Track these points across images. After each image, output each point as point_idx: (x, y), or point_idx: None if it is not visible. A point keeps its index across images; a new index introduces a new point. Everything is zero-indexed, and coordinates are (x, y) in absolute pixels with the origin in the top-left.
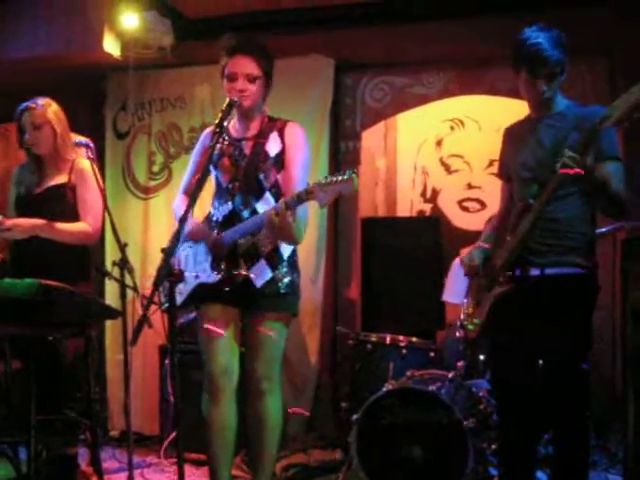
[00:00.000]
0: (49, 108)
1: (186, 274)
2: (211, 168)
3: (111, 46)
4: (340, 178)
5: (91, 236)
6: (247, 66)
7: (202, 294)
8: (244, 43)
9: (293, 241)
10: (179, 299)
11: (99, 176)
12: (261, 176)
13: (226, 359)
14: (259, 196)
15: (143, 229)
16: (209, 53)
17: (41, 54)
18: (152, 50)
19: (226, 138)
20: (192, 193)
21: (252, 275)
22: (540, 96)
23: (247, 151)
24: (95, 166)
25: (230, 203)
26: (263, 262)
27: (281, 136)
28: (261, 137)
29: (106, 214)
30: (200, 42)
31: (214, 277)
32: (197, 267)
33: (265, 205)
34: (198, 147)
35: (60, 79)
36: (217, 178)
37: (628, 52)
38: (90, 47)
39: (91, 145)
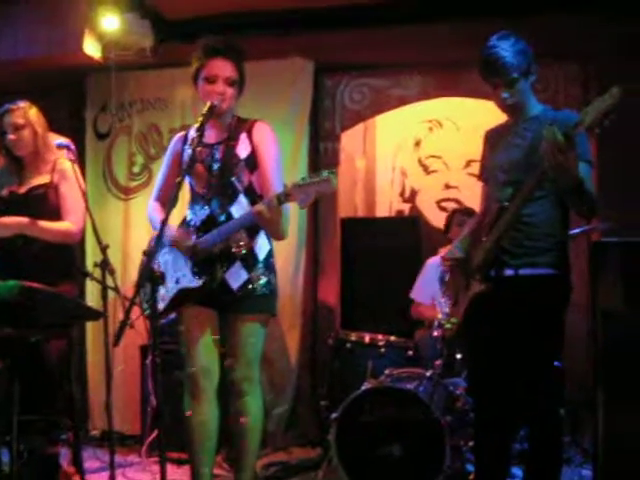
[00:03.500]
0: (30, 110)
1: (166, 279)
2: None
3: (91, 48)
4: (318, 178)
5: (74, 235)
6: (227, 69)
7: (182, 298)
8: (224, 46)
9: (280, 236)
10: (161, 305)
11: (80, 177)
12: (234, 179)
13: (206, 360)
14: (233, 199)
15: (124, 230)
16: (189, 54)
17: (22, 56)
18: (132, 51)
19: (197, 144)
20: (171, 199)
21: (228, 278)
22: (503, 103)
23: (219, 155)
24: (77, 167)
25: (207, 208)
26: (238, 264)
27: (249, 137)
28: (231, 140)
29: (87, 215)
30: (180, 43)
31: (196, 282)
32: (177, 272)
33: (239, 208)
34: (169, 153)
35: (41, 81)
36: (191, 184)
37: (600, 58)
38: (71, 49)
39: (72, 147)
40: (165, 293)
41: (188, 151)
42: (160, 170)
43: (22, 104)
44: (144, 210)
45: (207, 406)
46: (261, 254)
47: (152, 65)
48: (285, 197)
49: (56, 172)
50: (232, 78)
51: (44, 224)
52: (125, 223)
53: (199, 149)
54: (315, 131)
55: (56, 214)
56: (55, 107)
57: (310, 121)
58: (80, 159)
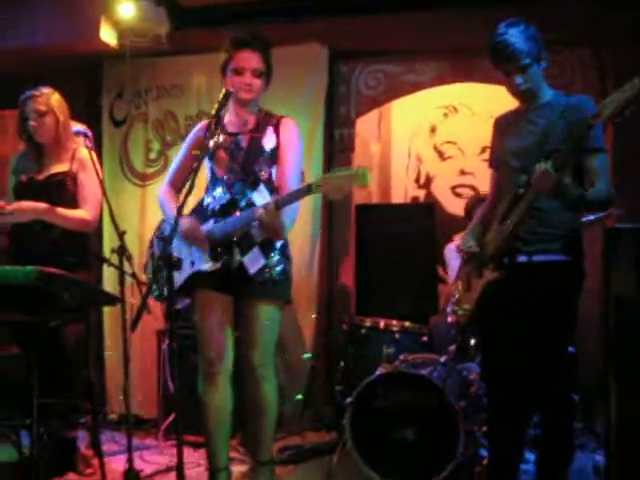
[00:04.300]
0: (52, 96)
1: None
2: (206, 160)
3: (108, 35)
4: (350, 173)
5: (90, 223)
6: (254, 61)
7: (195, 281)
8: (251, 38)
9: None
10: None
11: (99, 166)
12: (256, 168)
13: (221, 344)
14: (254, 187)
15: (140, 216)
16: (205, 41)
17: (39, 43)
18: (147, 38)
19: (220, 132)
20: (189, 186)
21: (246, 262)
22: (517, 89)
23: (244, 144)
24: (94, 155)
25: (228, 193)
26: (257, 250)
27: (276, 132)
28: (257, 131)
29: (103, 203)
30: (195, 30)
31: (212, 265)
32: (193, 255)
33: (260, 196)
34: (191, 139)
35: (57, 68)
36: (212, 170)
37: (613, 43)
38: (87, 36)
39: (89, 134)
40: (178, 275)
41: (213, 138)
42: (177, 155)
43: (45, 90)
44: None
45: (222, 390)
46: (278, 241)
47: (168, 52)
48: (316, 188)
49: (76, 160)
50: (259, 69)
51: (61, 211)
52: (142, 209)
53: (222, 138)
54: (330, 117)
55: (73, 202)
56: (72, 94)
57: (325, 107)
58: (97, 146)
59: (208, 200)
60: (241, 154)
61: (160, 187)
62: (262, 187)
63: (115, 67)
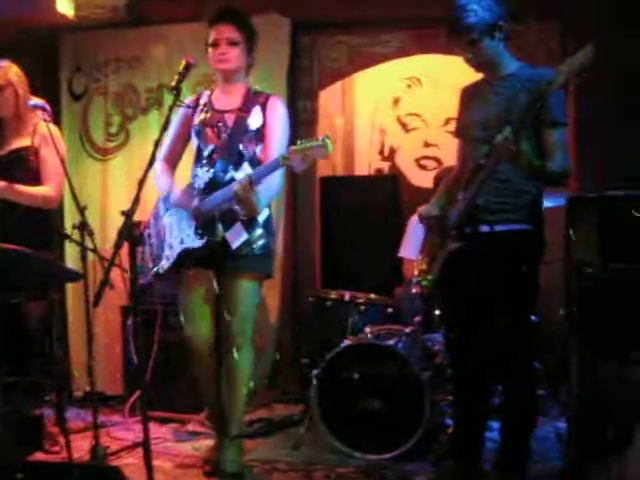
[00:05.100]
0: (11, 70)
1: (171, 239)
2: (193, 137)
3: (64, 6)
4: (315, 143)
5: (53, 200)
6: (227, 31)
7: (185, 258)
8: (224, 12)
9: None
10: (166, 264)
11: (62, 141)
12: (241, 147)
13: (202, 321)
14: (238, 166)
15: (102, 191)
16: (164, 12)
17: None
18: (106, 9)
19: (206, 108)
20: (152, 154)
21: (228, 237)
22: (469, 63)
23: (230, 123)
24: (57, 130)
25: (211, 170)
26: (239, 225)
27: (263, 111)
28: (244, 110)
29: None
30: (154, 1)
31: (198, 242)
32: (181, 233)
33: (243, 175)
34: (179, 114)
35: (13, 40)
36: (199, 147)
37: (578, 12)
38: (43, 8)
39: (47, 107)
40: (170, 252)
41: (200, 115)
42: (169, 130)
43: (3, 64)
44: (122, 171)
45: (210, 359)
46: (261, 216)
47: (126, 23)
48: (283, 161)
49: (37, 135)
50: (233, 39)
51: (21, 188)
52: (103, 184)
53: (209, 115)
54: (292, 89)
55: (35, 178)
56: (29, 68)
57: (287, 79)
58: (56, 120)
59: (194, 178)
60: (227, 132)
61: (155, 166)
62: (246, 165)
63: (73, 39)
